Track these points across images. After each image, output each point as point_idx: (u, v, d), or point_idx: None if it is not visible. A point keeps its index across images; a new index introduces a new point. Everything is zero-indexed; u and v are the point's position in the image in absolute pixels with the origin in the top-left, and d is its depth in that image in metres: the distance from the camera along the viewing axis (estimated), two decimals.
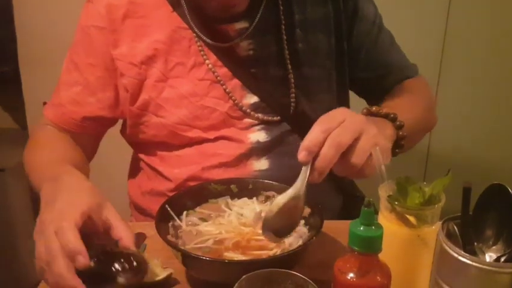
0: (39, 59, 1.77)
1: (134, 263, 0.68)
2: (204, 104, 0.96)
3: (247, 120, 0.98)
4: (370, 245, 0.56)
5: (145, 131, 1.00)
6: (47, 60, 1.68)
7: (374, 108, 0.89)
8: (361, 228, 0.55)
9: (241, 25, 0.96)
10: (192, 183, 0.96)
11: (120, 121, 1.07)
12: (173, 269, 0.75)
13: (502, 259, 0.59)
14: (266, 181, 0.87)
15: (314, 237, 0.72)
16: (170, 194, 0.88)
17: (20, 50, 1.81)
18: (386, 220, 0.64)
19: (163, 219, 0.79)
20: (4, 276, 1.95)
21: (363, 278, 0.56)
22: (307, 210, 0.81)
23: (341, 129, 0.70)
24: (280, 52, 0.99)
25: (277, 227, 0.72)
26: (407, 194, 0.64)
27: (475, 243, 0.61)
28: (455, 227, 0.61)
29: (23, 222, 2.03)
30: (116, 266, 0.67)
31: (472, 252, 0.58)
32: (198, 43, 0.96)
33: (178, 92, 0.96)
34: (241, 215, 0.82)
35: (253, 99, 0.98)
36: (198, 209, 0.85)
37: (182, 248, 0.74)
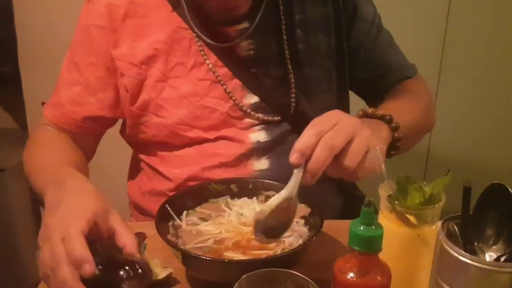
0: (39, 58, 1.77)
1: (139, 270, 0.68)
2: (204, 104, 0.96)
3: (248, 120, 0.98)
4: (370, 245, 0.56)
5: (145, 131, 1.00)
6: (47, 60, 1.68)
7: (370, 110, 0.89)
8: (361, 227, 0.55)
9: (241, 25, 0.96)
10: (192, 183, 0.96)
11: (120, 121, 1.07)
12: (173, 269, 0.75)
13: (502, 259, 0.59)
14: (266, 181, 0.87)
15: (314, 237, 0.72)
16: (171, 194, 0.88)
17: (20, 50, 1.81)
18: (386, 220, 0.64)
19: (163, 219, 0.79)
20: (4, 276, 1.95)
21: (363, 278, 0.56)
22: (307, 210, 0.81)
23: (334, 131, 0.70)
24: (281, 52, 0.99)
25: (269, 228, 0.72)
26: (407, 194, 0.64)
27: (475, 243, 0.61)
28: (455, 227, 0.61)
29: (23, 222, 2.03)
30: (121, 273, 0.67)
31: (472, 251, 0.58)
32: (198, 43, 0.96)
33: (179, 92, 0.96)
34: (241, 214, 0.82)
35: (253, 99, 0.98)
36: (198, 208, 0.84)
37: (182, 247, 0.74)
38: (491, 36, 1.79)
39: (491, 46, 1.80)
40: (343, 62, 1.04)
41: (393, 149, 0.88)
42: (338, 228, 0.84)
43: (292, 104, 0.99)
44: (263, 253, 0.74)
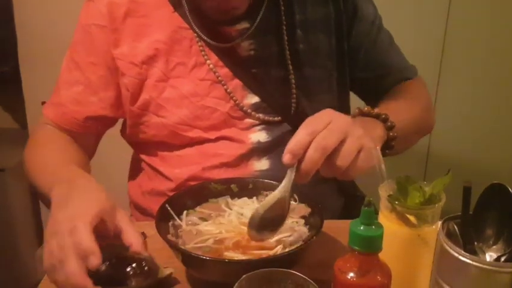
0: (39, 58, 1.77)
1: (146, 268, 0.69)
2: (205, 104, 0.96)
3: (248, 121, 0.98)
4: (370, 245, 0.56)
5: (145, 131, 1.00)
6: (47, 60, 1.68)
7: (365, 109, 0.89)
8: (361, 227, 0.55)
9: (242, 25, 0.96)
10: (192, 183, 0.95)
11: (120, 121, 1.07)
12: (174, 269, 0.75)
13: (502, 259, 0.59)
14: (266, 181, 0.87)
15: (314, 237, 0.72)
16: (171, 194, 0.88)
17: (20, 50, 1.81)
18: (386, 220, 0.64)
19: (163, 219, 0.79)
20: (4, 276, 1.95)
21: (364, 278, 0.56)
22: (307, 210, 0.81)
23: (327, 131, 0.71)
24: (281, 53, 0.99)
25: (262, 226, 0.73)
26: (407, 194, 0.64)
27: (475, 243, 0.61)
28: (456, 227, 0.61)
29: (23, 222, 2.03)
30: (128, 270, 0.68)
31: (472, 251, 0.58)
32: (199, 43, 0.96)
33: (179, 92, 0.96)
34: (242, 214, 0.82)
35: (254, 99, 0.98)
36: (198, 208, 0.84)
37: (182, 247, 0.74)
38: (491, 36, 1.79)
39: (491, 46, 1.80)
40: (343, 62, 1.04)
41: (388, 148, 0.88)
42: (338, 228, 0.84)
43: (293, 104, 0.99)
44: (263, 253, 0.74)
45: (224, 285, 0.60)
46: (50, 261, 0.66)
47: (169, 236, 0.76)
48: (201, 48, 0.96)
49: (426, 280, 0.64)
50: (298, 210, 0.82)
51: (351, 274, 0.56)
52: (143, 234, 0.86)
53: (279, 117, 0.99)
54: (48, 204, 0.86)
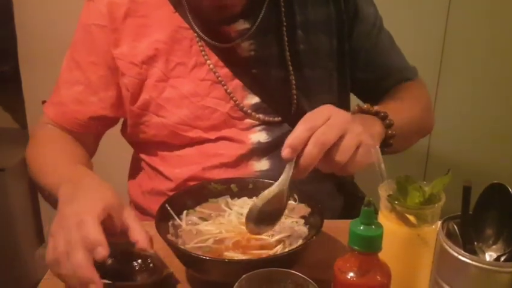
0: (39, 58, 1.77)
1: (151, 265, 0.69)
2: (205, 104, 0.96)
3: (248, 121, 0.98)
4: (370, 245, 0.56)
5: (145, 131, 1.00)
6: (47, 59, 1.68)
7: (365, 106, 0.90)
8: (361, 227, 0.55)
9: (242, 26, 0.96)
10: (192, 183, 0.96)
11: (120, 121, 1.07)
12: (173, 269, 0.75)
13: (502, 258, 0.59)
14: (266, 181, 0.87)
15: (314, 237, 0.72)
16: (171, 194, 0.88)
17: (20, 49, 1.81)
18: (386, 219, 0.64)
19: (163, 219, 0.79)
20: (4, 276, 1.95)
21: (363, 278, 0.56)
22: (307, 210, 0.81)
23: (326, 127, 0.71)
24: (281, 53, 0.99)
25: (260, 220, 0.74)
26: (407, 193, 0.64)
27: (475, 243, 0.61)
28: (455, 226, 0.61)
29: (23, 222, 2.03)
30: (134, 265, 0.68)
31: (472, 251, 0.58)
32: (199, 43, 0.96)
33: (179, 92, 0.96)
34: (241, 214, 0.82)
35: (254, 99, 0.98)
36: (198, 208, 0.85)
37: (182, 247, 0.74)
38: (491, 36, 1.79)
39: (491, 46, 1.80)
40: (344, 62, 1.04)
41: (386, 145, 0.88)
42: (338, 228, 0.84)
43: (293, 104, 0.99)
44: (263, 253, 0.74)
45: (224, 285, 0.60)
46: (54, 255, 0.66)
47: (169, 236, 0.76)
48: (201, 48, 0.96)
49: (426, 280, 0.64)
50: (298, 210, 0.82)
51: (351, 274, 0.56)
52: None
53: (279, 118, 0.99)
54: (54, 203, 0.86)
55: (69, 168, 0.88)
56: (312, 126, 0.71)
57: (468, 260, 0.56)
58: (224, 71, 0.96)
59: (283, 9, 0.98)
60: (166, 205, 0.81)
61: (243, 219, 0.79)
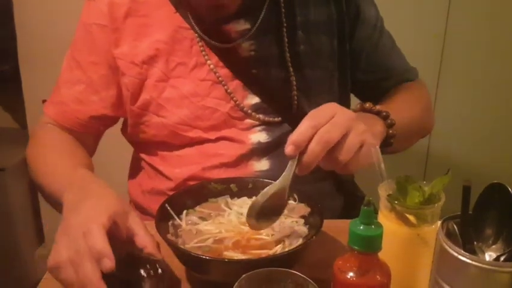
0: (39, 57, 1.77)
1: (159, 270, 0.68)
2: (205, 104, 0.96)
3: (248, 121, 0.98)
4: (370, 244, 0.56)
5: (145, 131, 1.00)
6: (47, 59, 1.68)
7: (367, 105, 0.90)
8: (361, 227, 0.55)
9: (243, 26, 0.96)
10: (192, 183, 0.96)
11: (120, 120, 1.07)
12: (173, 269, 0.75)
13: (502, 258, 0.59)
14: (266, 180, 0.87)
15: (314, 237, 0.72)
16: (171, 193, 0.88)
17: (20, 49, 1.81)
18: (385, 219, 0.65)
19: (163, 218, 0.79)
20: (4, 276, 1.95)
21: (363, 277, 0.56)
22: (307, 210, 0.81)
23: (330, 125, 0.71)
24: (282, 54, 0.99)
25: (262, 215, 0.75)
26: (407, 193, 0.64)
27: (475, 242, 0.61)
28: (455, 226, 0.61)
29: (23, 222, 2.03)
30: (141, 272, 0.67)
31: (471, 251, 0.58)
32: (200, 43, 0.96)
33: (180, 92, 0.96)
34: (241, 214, 0.82)
35: (254, 100, 0.98)
36: (197, 208, 0.84)
37: (182, 247, 0.74)
38: (491, 37, 1.79)
39: (491, 48, 1.80)
40: (345, 63, 1.04)
41: (386, 145, 0.88)
42: (337, 228, 0.84)
43: (293, 105, 0.99)
44: (263, 253, 0.74)
45: (224, 285, 0.60)
46: (57, 260, 0.65)
47: (169, 236, 0.76)
48: (201, 48, 0.96)
49: (426, 280, 0.64)
50: (298, 209, 0.82)
51: (351, 274, 0.56)
52: None
53: (279, 118, 0.99)
54: (54, 204, 0.86)
55: (72, 172, 0.86)
56: (317, 124, 0.71)
57: (468, 260, 0.56)
58: (224, 71, 0.96)
59: (283, 9, 0.98)
60: (166, 205, 0.81)
61: (243, 219, 0.79)
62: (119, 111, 1.01)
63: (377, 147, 0.71)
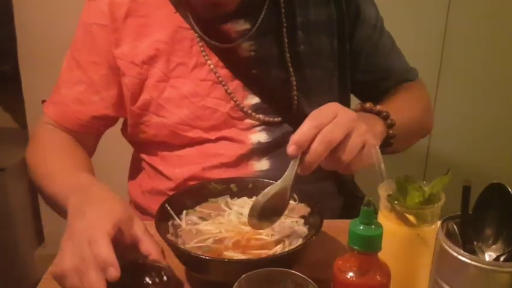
0: (39, 57, 1.77)
1: (165, 278, 0.68)
2: (205, 104, 0.96)
3: (248, 121, 0.98)
4: (370, 244, 0.56)
5: (145, 131, 1.00)
6: (47, 59, 1.68)
7: (367, 105, 0.90)
8: (361, 227, 0.56)
9: (243, 26, 0.96)
10: (192, 183, 0.96)
11: (120, 120, 1.07)
12: (173, 269, 0.75)
13: (502, 258, 0.59)
14: (266, 180, 0.87)
15: (314, 237, 0.72)
16: (171, 193, 0.88)
17: (20, 49, 1.81)
18: (385, 219, 0.65)
19: (162, 218, 0.79)
20: (4, 276, 1.96)
21: (363, 277, 0.56)
22: (307, 210, 0.81)
23: (333, 125, 0.71)
24: (282, 54, 0.99)
25: (263, 215, 0.75)
26: (407, 193, 0.64)
27: (475, 243, 0.61)
28: (455, 226, 0.61)
29: (23, 222, 2.03)
30: (146, 279, 0.67)
31: (471, 251, 0.58)
32: (200, 43, 0.96)
33: (180, 92, 0.96)
34: (241, 214, 0.82)
35: (254, 100, 0.98)
36: (197, 208, 0.84)
37: (182, 247, 0.74)
38: (491, 36, 1.80)
39: (490, 46, 1.81)
40: (345, 63, 1.04)
41: (386, 145, 0.88)
42: (337, 228, 0.84)
43: (293, 105, 0.99)
44: (263, 253, 0.74)
45: (224, 285, 0.60)
46: (62, 267, 0.65)
47: (169, 236, 0.76)
48: (201, 48, 0.96)
49: (426, 280, 0.64)
50: (298, 209, 0.82)
51: (351, 274, 0.57)
52: None
53: (280, 118, 0.99)
54: (53, 206, 0.86)
55: (75, 176, 0.86)
56: (319, 124, 0.71)
57: (467, 260, 0.56)
58: (224, 71, 0.96)
59: (283, 10, 0.98)
60: (166, 205, 0.81)
61: (243, 219, 0.79)
62: (120, 111, 1.01)
63: (377, 147, 0.71)
